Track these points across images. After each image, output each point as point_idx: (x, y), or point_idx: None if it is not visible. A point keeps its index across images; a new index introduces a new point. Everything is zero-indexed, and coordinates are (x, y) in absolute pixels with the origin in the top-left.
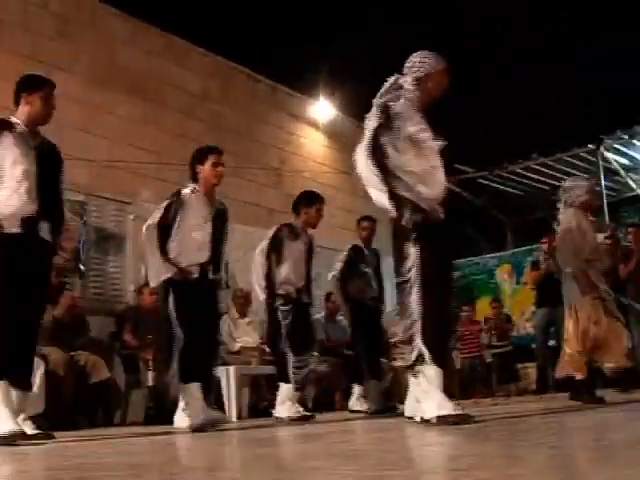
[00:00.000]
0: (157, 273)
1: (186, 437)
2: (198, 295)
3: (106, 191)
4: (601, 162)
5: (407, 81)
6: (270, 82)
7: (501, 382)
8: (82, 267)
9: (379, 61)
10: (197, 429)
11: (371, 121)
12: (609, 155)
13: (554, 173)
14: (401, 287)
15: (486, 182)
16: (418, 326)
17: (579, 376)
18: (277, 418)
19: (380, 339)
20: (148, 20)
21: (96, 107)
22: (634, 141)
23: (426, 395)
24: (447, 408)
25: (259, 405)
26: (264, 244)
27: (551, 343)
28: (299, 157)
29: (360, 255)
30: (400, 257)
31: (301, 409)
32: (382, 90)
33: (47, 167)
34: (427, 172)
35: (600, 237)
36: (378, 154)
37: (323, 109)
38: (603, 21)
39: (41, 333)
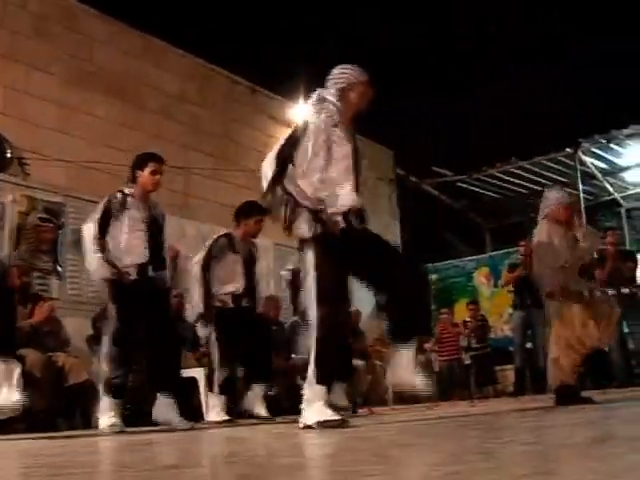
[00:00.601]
0: (97, 270)
1: (162, 437)
2: (140, 296)
3: (84, 192)
4: (579, 166)
5: (330, 93)
6: (249, 84)
7: (479, 384)
8: (60, 268)
9: (361, 64)
10: None
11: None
12: (587, 159)
13: (532, 177)
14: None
15: (465, 186)
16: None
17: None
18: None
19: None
20: (126, 21)
21: (74, 108)
22: (611, 145)
23: (307, 404)
24: (326, 414)
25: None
26: (200, 256)
27: (528, 345)
28: None
29: None
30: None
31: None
32: (309, 106)
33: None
34: (330, 184)
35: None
36: (282, 161)
37: (303, 112)
38: (590, 25)
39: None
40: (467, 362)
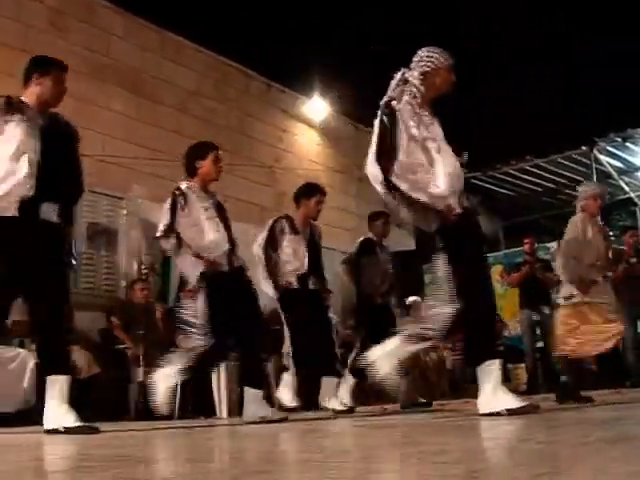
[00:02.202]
0: (191, 272)
1: (175, 432)
2: (231, 286)
3: (99, 186)
4: (594, 164)
5: (413, 75)
6: (264, 79)
7: None
8: (74, 262)
9: (374, 60)
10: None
11: (375, 124)
12: (602, 157)
13: (547, 175)
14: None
15: (479, 183)
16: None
17: (565, 378)
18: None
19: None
20: (143, 15)
21: (90, 102)
22: (627, 144)
23: (489, 387)
24: (514, 401)
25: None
26: (262, 237)
27: (539, 344)
28: (292, 155)
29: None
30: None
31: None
32: (390, 86)
33: (56, 145)
34: (434, 171)
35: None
36: (384, 159)
37: (317, 107)
38: (598, 24)
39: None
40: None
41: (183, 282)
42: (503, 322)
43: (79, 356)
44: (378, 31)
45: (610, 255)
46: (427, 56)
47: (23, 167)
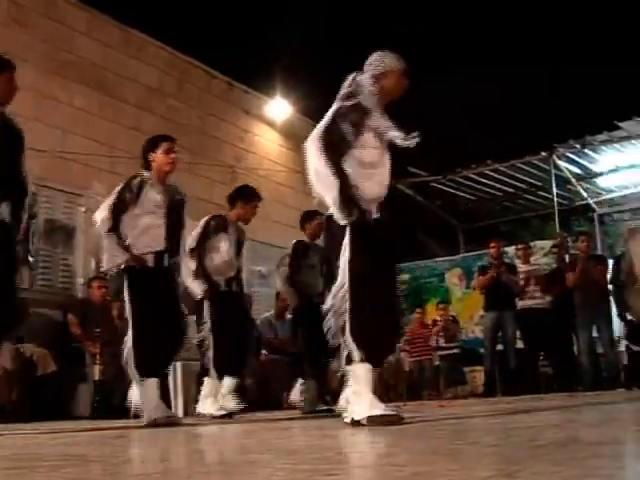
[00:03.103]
0: (111, 257)
1: (131, 431)
2: (154, 284)
3: (57, 182)
4: (553, 170)
5: (365, 78)
6: (226, 79)
7: (449, 385)
8: (32, 258)
9: (337, 62)
10: (151, 424)
11: (327, 117)
12: (561, 163)
13: (507, 179)
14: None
15: (439, 186)
16: (347, 323)
17: None
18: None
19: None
20: (106, 12)
21: (51, 97)
22: (586, 150)
23: (356, 396)
24: (378, 408)
25: None
26: (194, 234)
27: (499, 347)
28: (253, 155)
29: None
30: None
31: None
32: (342, 88)
33: (6, 144)
34: (372, 171)
35: (548, 245)
36: (331, 148)
37: (279, 108)
38: (565, 30)
39: None
40: (437, 362)
41: None
42: (458, 323)
43: (35, 353)
44: (341, 33)
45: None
46: (379, 60)
47: None
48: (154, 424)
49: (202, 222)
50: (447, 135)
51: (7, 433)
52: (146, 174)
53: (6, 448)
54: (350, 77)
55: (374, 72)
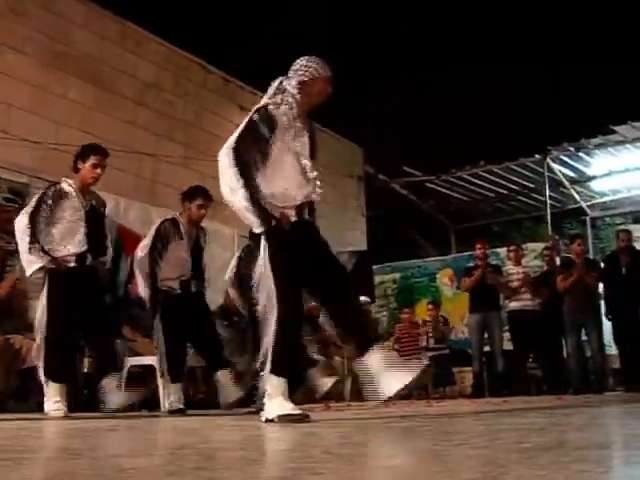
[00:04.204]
0: (28, 262)
1: (116, 425)
2: (78, 284)
3: (50, 174)
4: (547, 173)
5: (291, 84)
6: (223, 74)
7: (437, 385)
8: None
9: (333, 59)
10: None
11: (245, 122)
12: (555, 166)
13: (500, 181)
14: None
15: (433, 186)
16: (270, 333)
17: None
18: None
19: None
20: (104, 5)
21: (46, 89)
22: (580, 154)
23: (269, 398)
24: (287, 408)
25: (195, 397)
26: (147, 240)
27: (486, 348)
28: None
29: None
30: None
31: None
32: (268, 92)
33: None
34: (283, 176)
35: (539, 247)
36: (241, 160)
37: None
38: (560, 31)
39: None
40: (425, 362)
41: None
42: (449, 324)
43: (25, 345)
44: (338, 31)
45: None
46: (305, 65)
47: None
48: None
49: (153, 228)
50: (442, 136)
51: None
52: (69, 181)
53: None
54: (276, 82)
55: (300, 79)
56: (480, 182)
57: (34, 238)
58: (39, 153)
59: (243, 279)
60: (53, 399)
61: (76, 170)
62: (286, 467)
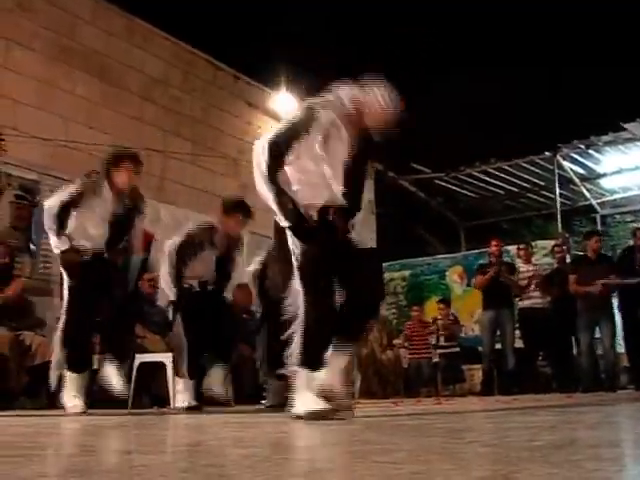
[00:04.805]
0: (56, 245)
1: (128, 421)
2: (95, 275)
3: (60, 171)
4: (557, 170)
5: (347, 95)
6: (232, 71)
7: (446, 382)
8: (33, 246)
9: (342, 56)
10: None
11: (288, 119)
12: (565, 164)
13: (510, 178)
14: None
15: (442, 183)
16: (298, 327)
17: None
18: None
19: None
20: (110, 0)
21: (54, 85)
22: (590, 151)
23: (297, 393)
24: (313, 404)
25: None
26: (178, 239)
27: (497, 346)
28: None
29: None
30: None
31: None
32: (324, 93)
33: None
34: (310, 179)
35: (549, 245)
36: (274, 156)
37: (283, 100)
38: (569, 31)
39: None
40: (435, 360)
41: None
42: (459, 323)
43: (34, 341)
44: (346, 28)
45: None
46: (371, 86)
47: None
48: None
49: (187, 230)
50: (452, 133)
51: (3, 415)
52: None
53: (3, 435)
54: (334, 87)
55: (357, 95)
56: (490, 179)
57: (61, 228)
58: (49, 150)
59: (263, 280)
60: (71, 393)
61: (107, 175)
62: (296, 464)
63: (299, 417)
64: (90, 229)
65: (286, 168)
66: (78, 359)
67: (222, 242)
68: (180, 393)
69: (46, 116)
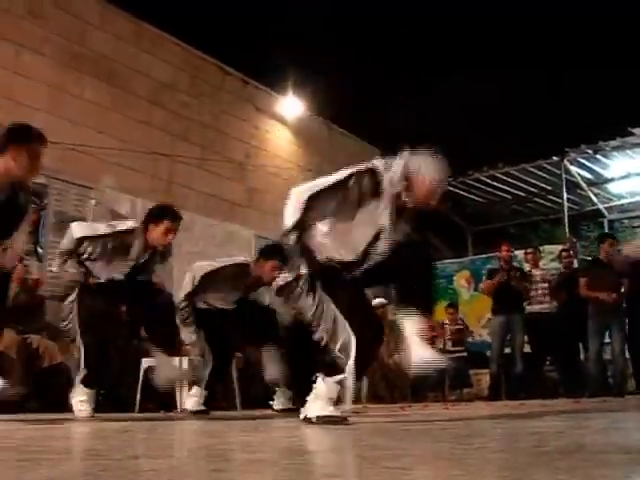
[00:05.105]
0: (60, 266)
1: (135, 426)
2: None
3: (68, 175)
4: (564, 175)
5: (397, 173)
6: (240, 75)
7: (454, 387)
8: (40, 250)
9: (350, 62)
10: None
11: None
12: (572, 168)
13: (518, 183)
14: None
15: (450, 188)
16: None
17: None
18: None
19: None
20: (120, 5)
21: (63, 89)
22: (598, 156)
23: (314, 398)
24: (327, 410)
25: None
26: (192, 281)
27: (507, 350)
28: (264, 152)
29: None
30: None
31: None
32: (388, 161)
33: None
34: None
35: (556, 249)
36: (314, 207)
37: (291, 106)
38: (575, 34)
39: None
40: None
41: None
42: (467, 328)
43: (42, 345)
44: (346, 28)
45: None
46: (419, 161)
47: None
48: None
49: (196, 276)
50: (459, 137)
51: (7, 420)
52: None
53: (11, 439)
54: (394, 157)
55: (407, 170)
56: (497, 184)
57: (75, 254)
58: (57, 153)
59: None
60: (80, 398)
61: (146, 229)
62: (303, 469)
63: (308, 420)
64: (109, 270)
65: (318, 224)
66: (94, 379)
67: (250, 284)
68: (191, 397)
69: (55, 120)
